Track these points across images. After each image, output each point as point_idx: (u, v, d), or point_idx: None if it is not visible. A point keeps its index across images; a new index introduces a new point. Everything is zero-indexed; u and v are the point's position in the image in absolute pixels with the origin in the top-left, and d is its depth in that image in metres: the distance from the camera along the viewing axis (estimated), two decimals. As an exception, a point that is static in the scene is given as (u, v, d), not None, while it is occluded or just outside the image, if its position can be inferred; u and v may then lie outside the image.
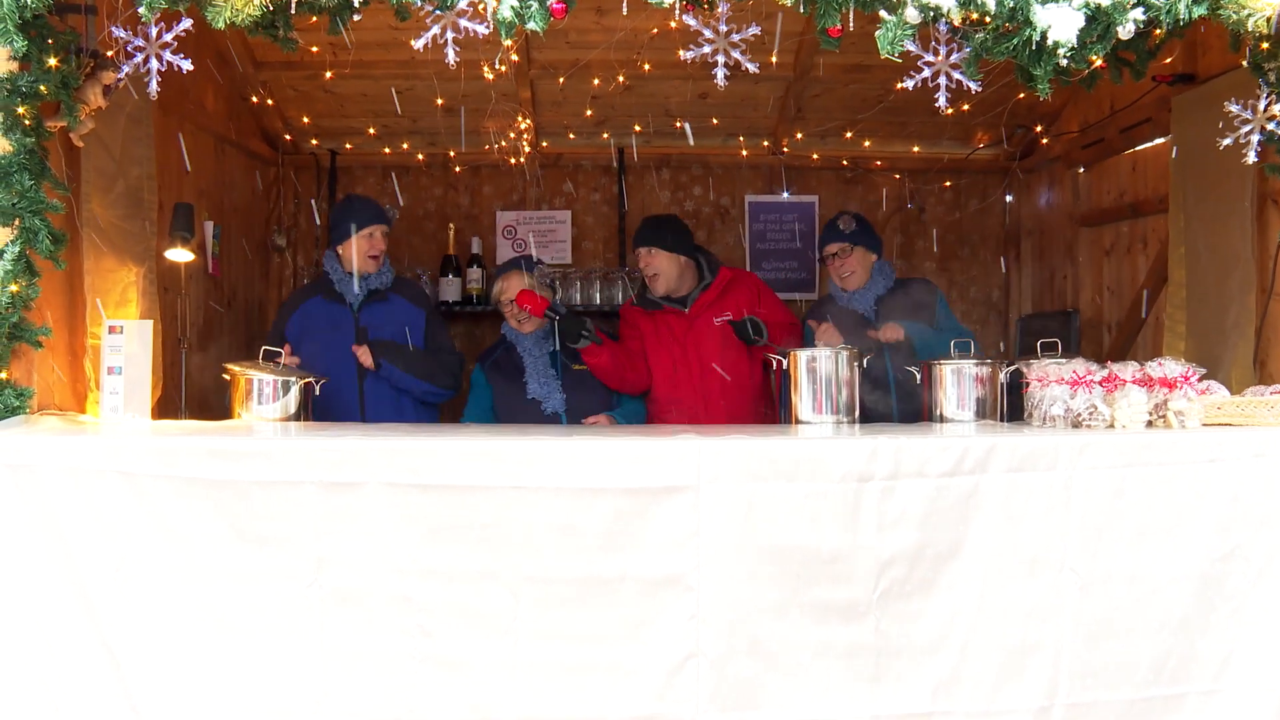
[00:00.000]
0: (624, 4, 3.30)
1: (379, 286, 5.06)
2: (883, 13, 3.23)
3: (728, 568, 3.16)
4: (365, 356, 4.86)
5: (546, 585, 3.17)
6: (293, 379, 4.22)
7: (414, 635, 3.17)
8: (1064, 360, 3.79)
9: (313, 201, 6.93)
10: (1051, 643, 3.24)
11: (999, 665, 3.23)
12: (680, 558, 3.16)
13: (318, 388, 4.34)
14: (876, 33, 3.19)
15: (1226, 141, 3.52)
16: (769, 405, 5.28)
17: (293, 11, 3.36)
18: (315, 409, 4.65)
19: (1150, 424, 3.52)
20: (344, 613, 3.18)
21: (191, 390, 5.21)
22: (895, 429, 3.66)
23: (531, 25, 3.20)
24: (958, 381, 4.07)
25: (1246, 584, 3.28)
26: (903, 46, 3.18)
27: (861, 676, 3.20)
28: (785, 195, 7.11)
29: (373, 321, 4.98)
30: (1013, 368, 4.08)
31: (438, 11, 3.27)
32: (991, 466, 3.22)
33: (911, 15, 3.19)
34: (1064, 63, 3.20)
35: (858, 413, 4.10)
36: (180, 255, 4.89)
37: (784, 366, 4.17)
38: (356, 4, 3.33)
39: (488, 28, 3.22)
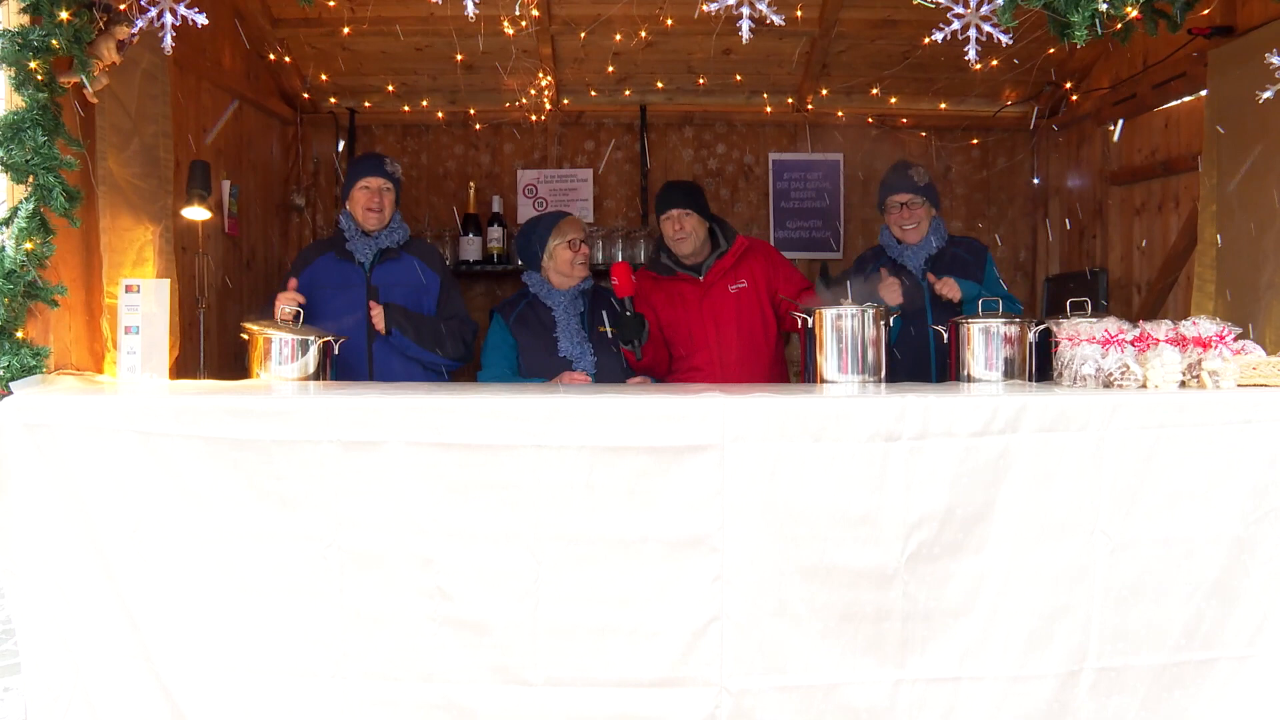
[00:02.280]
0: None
1: (390, 245, 4.99)
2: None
3: (752, 528, 3.13)
4: (379, 317, 4.80)
5: (569, 545, 3.14)
6: (311, 338, 4.18)
7: (434, 596, 3.15)
8: (1095, 319, 3.72)
9: (335, 160, 6.89)
10: (1082, 606, 3.21)
11: (1028, 629, 3.19)
12: (704, 518, 3.13)
13: (336, 346, 4.30)
14: (908, -21, 3.10)
15: (1267, 94, 3.43)
16: (786, 371, 5.26)
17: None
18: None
19: (1184, 384, 3.46)
20: (364, 573, 3.16)
21: (210, 350, 5.18)
22: (923, 388, 3.60)
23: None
24: (986, 341, 4.00)
25: (1281, 547, 3.23)
26: (935, -9, 3.10)
27: (888, 640, 3.17)
28: (810, 153, 7.02)
29: (385, 281, 4.93)
30: (1042, 327, 4.01)
31: (455, -38, 3.20)
32: (1022, 426, 3.17)
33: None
34: (1103, 7, 3.10)
35: (884, 372, 4.03)
36: (197, 214, 4.85)
37: (809, 325, 4.11)
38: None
39: (507, -22, 3.15)
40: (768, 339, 5.08)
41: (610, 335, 4.94)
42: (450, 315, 5.01)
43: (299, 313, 4.44)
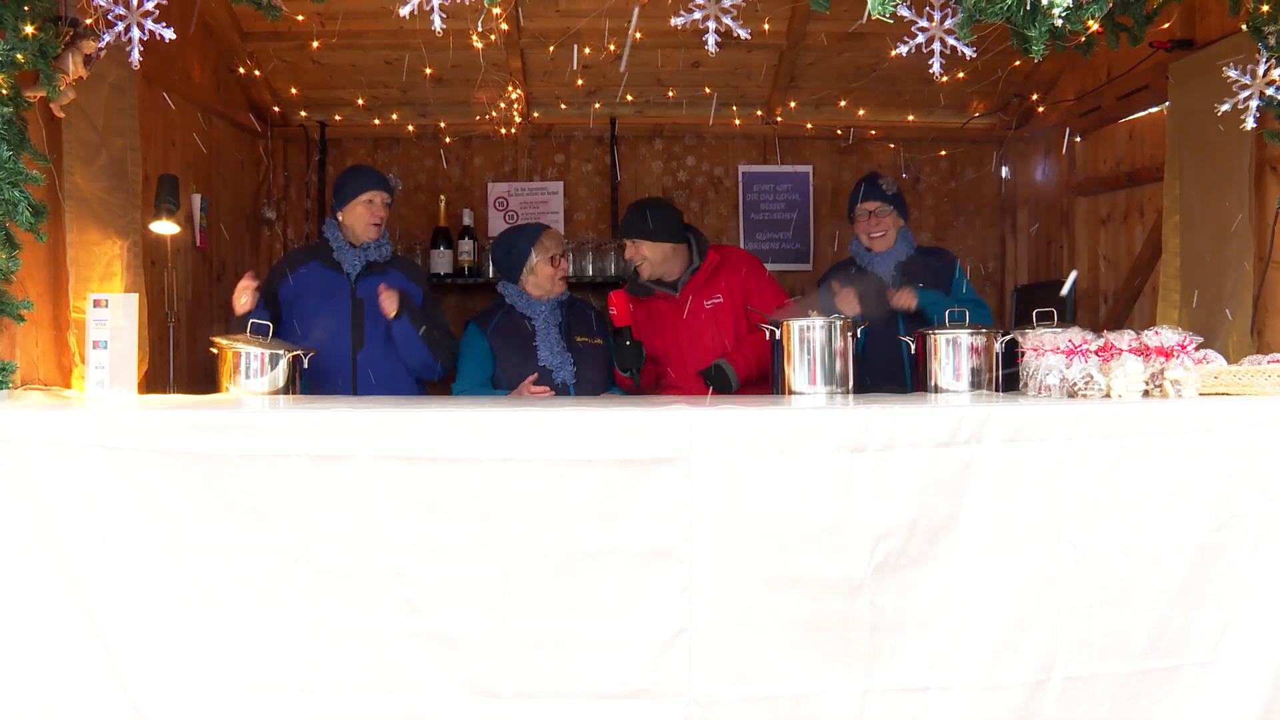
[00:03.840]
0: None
1: (378, 259, 4.98)
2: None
3: (720, 540, 3.14)
4: (391, 301, 4.74)
5: (537, 558, 3.14)
6: (281, 352, 4.17)
7: (403, 609, 3.15)
8: (1060, 329, 3.75)
9: (305, 174, 6.89)
10: (1048, 615, 3.22)
11: (996, 639, 3.20)
12: (672, 530, 3.13)
13: (306, 360, 4.30)
14: (867, -8, 3.12)
15: (1225, 107, 3.47)
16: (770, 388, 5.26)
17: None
18: (303, 381, 4.61)
19: (1147, 393, 3.48)
20: (332, 587, 3.15)
21: (180, 364, 5.16)
22: (889, 399, 3.62)
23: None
24: (952, 351, 4.03)
25: (1243, 554, 3.26)
26: (893, 7, 3.11)
27: (856, 651, 3.17)
28: (779, 165, 7.05)
29: (369, 293, 4.89)
30: (1008, 337, 4.04)
31: (420, -24, 3.20)
32: (987, 437, 3.19)
33: (901, -26, 3.13)
34: (1059, 23, 3.14)
35: (852, 383, 4.05)
36: (165, 228, 4.84)
37: (776, 337, 4.12)
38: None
39: (472, -8, 3.15)
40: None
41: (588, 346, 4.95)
42: (434, 327, 5.00)
43: (269, 326, 4.42)
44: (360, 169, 5.19)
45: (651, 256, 5.02)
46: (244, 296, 4.56)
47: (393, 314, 4.75)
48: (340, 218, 4.99)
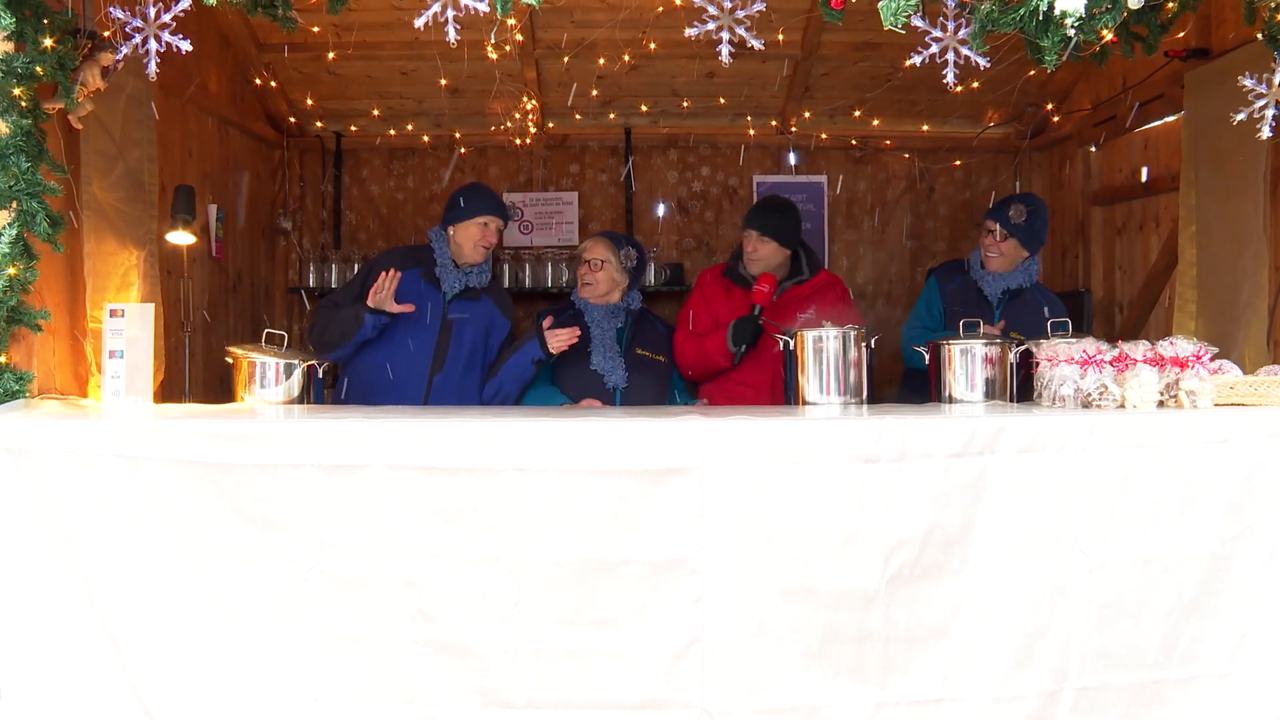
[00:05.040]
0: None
1: (477, 284, 4.92)
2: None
3: (733, 551, 3.13)
4: (566, 339, 4.73)
5: (550, 568, 3.14)
6: (296, 362, 4.18)
7: (416, 619, 3.15)
8: (1074, 339, 3.74)
9: (324, 188, 6.92)
10: (1062, 626, 3.21)
11: (1010, 649, 3.19)
12: (685, 540, 3.13)
13: (320, 370, 4.30)
14: (880, 3, 3.12)
15: (1240, 116, 3.46)
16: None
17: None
18: (374, 387, 4.65)
19: (1161, 404, 3.47)
20: (346, 596, 3.16)
21: (195, 373, 5.19)
22: (903, 410, 3.62)
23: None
24: (966, 362, 4.01)
25: (1259, 565, 3.25)
26: (906, 18, 3.11)
27: (870, 663, 3.16)
28: (793, 175, 7.05)
29: (460, 315, 4.85)
30: (1022, 348, 4.03)
31: (436, -12, 3.22)
32: (1000, 447, 3.18)
33: (914, -16, 3.13)
34: (1071, 33, 3.14)
35: (865, 394, 4.04)
36: (182, 238, 4.86)
37: (790, 347, 4.12)
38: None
39: (487, 5, 3.16)
40: None
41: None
42: None
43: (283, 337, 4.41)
44: (481, 189, 5.07)
45: (769, 258, 5.05)
46: (385, 292, 4.56)
47: (555, 352, 4.74)
48: (450, 232, 4.89)
